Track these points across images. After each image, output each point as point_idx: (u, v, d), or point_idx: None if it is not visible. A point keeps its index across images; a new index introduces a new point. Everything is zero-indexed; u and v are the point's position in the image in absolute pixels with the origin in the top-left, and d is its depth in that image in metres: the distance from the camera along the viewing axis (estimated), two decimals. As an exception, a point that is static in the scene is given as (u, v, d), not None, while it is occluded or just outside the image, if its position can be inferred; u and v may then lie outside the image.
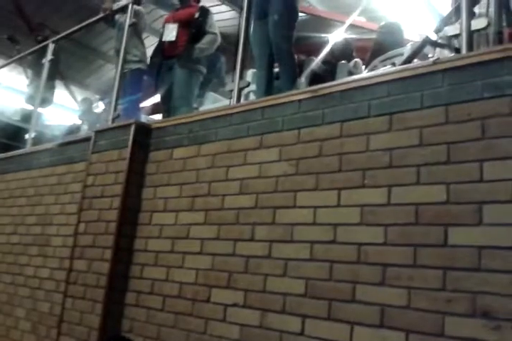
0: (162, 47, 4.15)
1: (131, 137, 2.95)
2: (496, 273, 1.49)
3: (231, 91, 2.82)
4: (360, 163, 1.94)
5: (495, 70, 1.70)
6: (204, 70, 4.13)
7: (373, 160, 1.90)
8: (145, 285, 2.55)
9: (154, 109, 6.17)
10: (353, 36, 6.18)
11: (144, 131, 2.99)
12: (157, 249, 2.58)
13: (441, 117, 1.78)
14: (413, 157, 1.81)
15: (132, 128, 2.98)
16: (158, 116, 6.00)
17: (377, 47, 4.17)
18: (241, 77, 2.83)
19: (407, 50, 2.99)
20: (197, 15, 4.02)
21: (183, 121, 2.81)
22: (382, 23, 4.54)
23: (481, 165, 1.64)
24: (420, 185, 1.76)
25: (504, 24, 2.11)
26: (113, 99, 3.68)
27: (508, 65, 1.67)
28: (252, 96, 3.44)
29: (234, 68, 2.89)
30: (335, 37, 4.79)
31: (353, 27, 7.04)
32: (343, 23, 6.03)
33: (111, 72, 10.15)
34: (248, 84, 2.79)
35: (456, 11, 2.11)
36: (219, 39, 4.09)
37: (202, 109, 4.01)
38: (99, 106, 7.47)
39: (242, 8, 2.95)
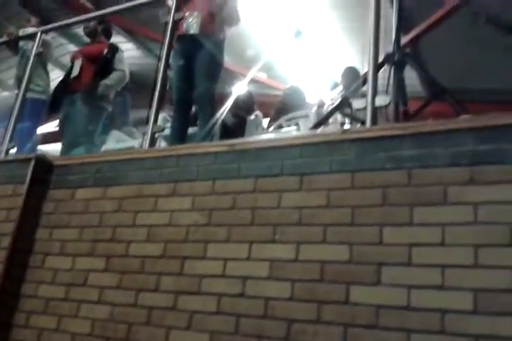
0: (67, 82, 4.06)
1: (29, 172, 2.79)
2: (391, 332, 1.63)
3: (144, 134, 2.82)
4: (272, 218, 2.03)
5: (395, 144, 1.91)
6: (109, 107, 4.09)
7: (284, 217, 2.01)
8: (31, 335, 2.35)
9: (47, 138, 5.89)
10: (256, 91, 6.50)
11: (44, 167, 2.84)
12: (48, 296, 2.41)
13: (348, 182, 1.95)
14: (321, 217, 1.94)
15: (32, 163, 2.82)
16: (51, 146, 5.74)
17: (282, 106, 4.45)
18: (156, 120, 2.85)
19: (311, 113, 3.24)
20: (105, 51, 4.01)
21: (90, 160, 2.74)
22: (289, 85, 4.88)
23: (381, 229, 1.81)
24: (326, 244, 1.88)
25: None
26: (9, 129, 3.47)
27: (406, 141, 1.90)
28: (162, 142, 3.45)
29: (149, 107, 2.89)
30: (238, 89, 5.02)
31: (255, 82, 7.43)
32: (245, 76, 6.35)
33: (7, 100, 9.53)
34: (163, 130, 2.82)
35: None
36: (127, 76, 4.09)
37: (105, 146, 3.92)
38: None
39: (161, 50, 2.99)
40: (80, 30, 7.57)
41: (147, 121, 2.80)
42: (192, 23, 3.13)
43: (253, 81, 7.20)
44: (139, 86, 5.08)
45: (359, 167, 1.95)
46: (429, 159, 1.81)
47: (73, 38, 7.63)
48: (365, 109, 2.15)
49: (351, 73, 4.26)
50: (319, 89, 7.03)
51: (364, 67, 2.29)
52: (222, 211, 2.17)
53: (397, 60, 2.40)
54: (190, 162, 2.36)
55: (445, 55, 6.22)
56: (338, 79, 6.64)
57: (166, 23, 2.95)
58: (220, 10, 3.19)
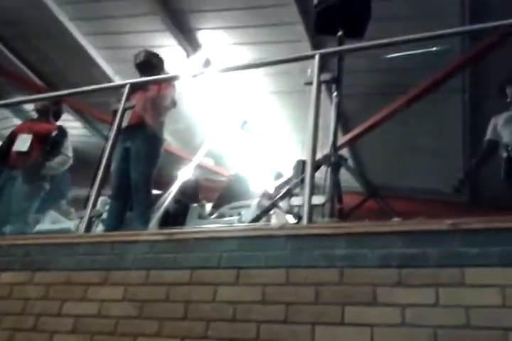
0: (6, 156, 3.99)
1: (-48, 251, 2.63)
2: None
3: (81, 218, 2.77)
4: (206, 312, 2.00)
5: (329, 243, 1.99)
6: (47, 187, 4.02)
7: (218, 312, 1.98)
8: None
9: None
10: (202, 176, 6.62)
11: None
12: None
13: (283, 278, 1.98)
14: (255, 313, 1.93)
15: (-44, 242, 2.68)
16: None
17: (226, 192, 4.55)
18: (94, 205, 2.82)
19: (253, 205, 3.33)
20: (54, 133, 4.04)
21: (20, 242, 2.64)
22: (234, 173, 5.02)
23: (313, 328, 1.82)
24: (259, 342, 1.86)
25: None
26: None
27: (339, 240, 1.98)
28: (100, 225, 3.39)
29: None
30: (185, 174, 5.11)
31: (202, 167, 7.58)
32: (191, 161, 6.49)
33: None
34: (101, 214, 2.79)
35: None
36: (70, 162, 4.10)
37: (39, 227, 3.79)
38: None
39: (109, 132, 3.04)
40: (26, 106, 7.65)
41: (85, 205, 2.78)
42: (132, 114, 3.27)
43: (200, 167, 7.36)
44: (82, 164, 5.08)
45: (294, 263, 2.00)
46: (361, 259, 1.89)
47: (19, 113, 7.64)
48: (302, 206, 2.25)
49: (302, 165, 4.44)
50: (263, 178, 7.25)
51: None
52: (154, 303, 2.12)
53: (333, 162, 2.57)
54: (126, 250, 2.33)
55: (381, 155, 6.69)
56: (283, 170, 6.96)
57: (116, 111, 3.05)
58: (155, 100, 3.38)
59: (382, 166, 6.96)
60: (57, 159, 3.89)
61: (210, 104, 6.68)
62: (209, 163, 8.28)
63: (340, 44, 3.00)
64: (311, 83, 2.52)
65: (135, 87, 3.36)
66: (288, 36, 5.00)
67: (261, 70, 5.72)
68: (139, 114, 3.35)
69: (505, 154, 3.35)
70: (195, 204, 3.88)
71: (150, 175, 3.27)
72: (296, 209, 2.40)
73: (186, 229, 2.32)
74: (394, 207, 2.56)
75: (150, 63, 3.64)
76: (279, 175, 6.36)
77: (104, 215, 3.20)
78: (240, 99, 6.53)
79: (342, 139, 6.06)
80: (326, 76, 2.53)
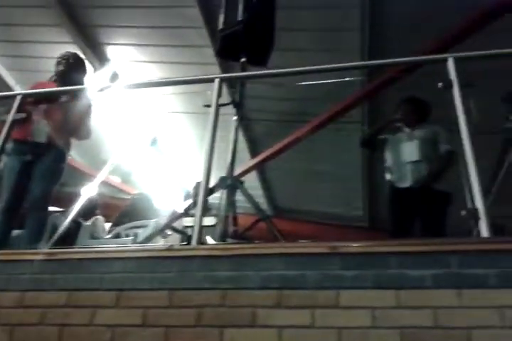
0: None
1: None
2: None
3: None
4: (82, 337, 1.90)
5: (216, 265, 1.99)
6: None
7: (96, 336, 1.90)
8: None
9: None
10: (107, 193, 6.41)
11: None
12: None
13: (165, 300, 1.95)
14: (135, 336, 1.87)
15: None
16: None
17: (129, 210, 4.43)
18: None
19: (151, 225, 3.26)
20: None
21: None
22: (138, 192, 4.90)
23: (191, 351, 1.79)
24: (134, 367, 1.80)
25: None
26: None
27: (225, 261, 1.99)
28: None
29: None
30: (88, 191, 4.90)
31: (107, 185, 7.35)
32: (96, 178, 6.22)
33: None
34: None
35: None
36: None
37: None
38: None
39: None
40: None
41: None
42: (40, 132, 3.11)
43: (106, 184, 7.13)
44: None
45: (179, 285, 1.97)
46: (243, 281, 1.91)
47: None
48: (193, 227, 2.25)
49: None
50: (172, 198, 7.15)
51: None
52: (27, 327, 1.99)
53: (229, 184, 2.60)
54: (2, 270, 2.18)
55: (289, 180, 6.88)
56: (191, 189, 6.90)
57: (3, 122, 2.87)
58: (71, 124, 3.22)
59: (290, 190, 7.15)
60: None
61: (118, 120, 6.53)
62: (116, 180, 8.05)
63: (243, 70, 3.07)
64: (209, 105, 2.55)
65: (47, 100, 3.18)
66: (197, 58, 5.05)
67: (170, 89, 5.72)
68: (52, 133, 3.15)
69: (388, 177, 3.50)
70: (88, 223, 3.72)
71: (50, 192, 3.09)
72: (188, 230, 2.39)
73: (69, 249, 2.21)
74: (299, 230, 2.64)
75: (76, 71, 3.37)
76: (188, 195, 6.31)
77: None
78: (150, 117, 6.45)
79: (249, 163, 6.17)
80: (224, 100, 2.57)
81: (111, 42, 5.29)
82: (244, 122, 5.40)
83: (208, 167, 2.37)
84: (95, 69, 5.44)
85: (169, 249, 2.09)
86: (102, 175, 6.50)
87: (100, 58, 5.41)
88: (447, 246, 1.87)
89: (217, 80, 2.62)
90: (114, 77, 5.78)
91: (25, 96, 2.98)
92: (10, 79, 6.07)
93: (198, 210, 2.26)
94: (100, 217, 4.22)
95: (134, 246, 2.38)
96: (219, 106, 2.57)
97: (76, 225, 3.59)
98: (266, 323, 1.81)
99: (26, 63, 5.81)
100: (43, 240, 2.99)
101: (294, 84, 4.45)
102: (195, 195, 4.07)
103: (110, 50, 5.28)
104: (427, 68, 4.23)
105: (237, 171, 5.38)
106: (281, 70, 2.78)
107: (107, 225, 4.33)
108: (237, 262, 1.96)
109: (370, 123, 5.26)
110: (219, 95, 2.58)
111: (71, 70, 3.35)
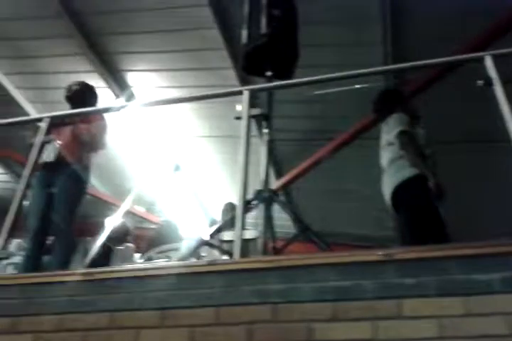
0: None
1: None
2: None
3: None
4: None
5: (263, 278, 1.88)
6: None
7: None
8: None
9: None
10: (133, 224, 6.32)
11: None
12: None
13: (212, 318, 1.82)
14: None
15: None
16: None
17: (156, 238, 4.35)
18: (4, 246, 2.54)
19: (182, 246, 3.16)
20: None
21: None
22: (164, 219, 4.84)
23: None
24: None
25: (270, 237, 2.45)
26: None
27: (272, 274, 1.88)
28: (10, 269, 3.07)
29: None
30: (112, 221, 4.85)
31: (132, 215, 7.27)
32: (120, 207, 6.19)
33: None
34: (7, 257, 2.51)
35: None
36: None
37: None
38: None
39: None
40: None
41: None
42: (49, 152, 3.07)
43: (130, 214, 7.06)
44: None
45: (225, 301, 1.85)
46: (294, 294, 1.78)
47: None
48: (233, 241, 2.14)
49: (231, 208, 4.39)
50: (197, 224, 7.06)
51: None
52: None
53: (266, 198, 2.50)
54: (37, 293, 2.08)
55: (315, 200, 6.74)
56: (217, 215, 6.81)
57: (31, 145, 2.86)
58: (82, 137, 3.20)
59: (316, 211, 6.98)
60: None
61: (140, 147, 6.52)
62: (140, 210, 8.00)
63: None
64: (240, 117, 2.50)
65: (59, 123, 3.18)
66: (219, 81, 5.03)
67: (193, 113, 5.71)
68: (63, 150, 3.13)
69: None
70: (121, 247, 3.64)
71: (72, 215, 3.03)
72: (226, 246, 2.28)
73: (106, 268, 2.12)
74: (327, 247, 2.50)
75: (83, 96, 3.42)
76: (213, 222, 6.22)
77: (16, 260, 2.91)
78: (172, 143, 6.43)
79: (275, 184, 6.07)
80: (255, 111, 2.51)
81: (131, 68, 5.32)
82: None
83: (243, 178, 2.28)
84: (117, 97, 5.46)
85: (211, 263, 1.98)
86: (126, 205, 6.47)
87: (121, 85, 5.44)
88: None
89: (246, 92, 2.57)
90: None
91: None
92: (33, 112, 6.11)
93: (238, 223, 2.16)
94: (131, 244, 4.15)
95: (174, 263, 2.27)
96: (250, 117, 2.51)
97: (108, 250, 3.50)
98: (324, 338, 1.67)
99: (48, 94, 5.85)
100: (72, 264, 2.91)
101: (316, 92, 4.39)
102: (225, 217, 3.99)
103: (131, 77, 5.30)
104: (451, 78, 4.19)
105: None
106: (308, 78, 2.72)
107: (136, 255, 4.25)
108: (286, 274, 1.85)
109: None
110: (250, 106, 2.52)
111: (80, 93, 3.38)
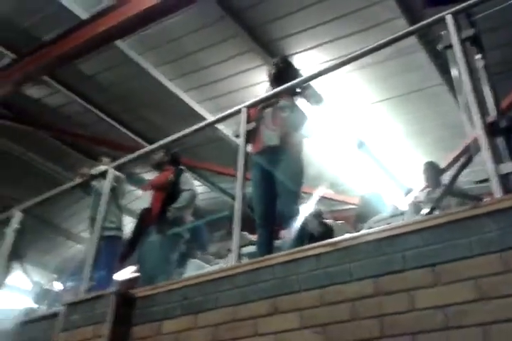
0: (142, 216, 3.93)
1: (110, 309, 2.51)
2: None
3: (229, 250, 2.54)
4: (407, 325, 1.60)
5: None
6: (185, 234, 3.85)
7: (422, 321, 1.58)
8: None
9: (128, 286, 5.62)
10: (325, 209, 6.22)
11: (125, 302, 2.57)
12: None
13: (499, 265, 1.55)
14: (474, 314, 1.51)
15: (112, 299, 2.56)
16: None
17: (361, 212, 4.18)
18: (239, 237, 2.56)
19: (408, 209, 2.91)
20: (171, 177, 3.91)
21: (176, 286, 2.44)
22: (366, 192, 4.66)
23: None
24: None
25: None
26: (87, 268, 3.23)
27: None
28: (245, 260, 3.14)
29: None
30: (306, 209, 4.76)
31: (323, 199, 7.13)
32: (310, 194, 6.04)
33: (71, 249, 9.59)
34: (250, 243, 2.54)
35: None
36: (196, 194, 3.90)
37: (185, 276, 3.62)
38: (54, 287, 6.85)
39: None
40: (144, 174, 7.77)
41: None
42: (272, 136, 3.02)
43: (321, 198, 6.96)
44: (207, 222, 4.90)
45: (508, 245, 1.56)
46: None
47: (139, 182, 7.75)
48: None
49: (431, 167, 4.06)
50: (392, 196, 6.69)
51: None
52: (339, 324, 1.77)
53: (504, 127, 2.11)
54: (289, 271, 2.03)
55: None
56: (411, 183, 6.38)
57: (238, 136, 2.89)
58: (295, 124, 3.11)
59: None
60: (181, 198, 3.74)
61: (321, 131, 6.34)
62: (329, 192, 7.87)
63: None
64: (450, 46, 2.17)
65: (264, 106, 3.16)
66: (387, 36, 4.61)
67: (362, 80, 5.38)
68: (283, 135, 3.09)
69: None
70: (339, 223, 3.52)
71: (298, 193, 2.97)
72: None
73: (353, 235, 1.98)
74: None
75: (289, 72, 3.28)
76: (409, 191, 5.83)
77: (250, 249, 2.96)
78: (349, 117, 6.16)
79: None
80: (468, 32, 2.16)
81: (296, 51, 5.20)
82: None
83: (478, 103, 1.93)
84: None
85: (477, 206, 1.69)
86: (318, 191, 6.34)
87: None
88: None
89: (449, 16, 2.23)
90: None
91: (248, 108, 2.98)
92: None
93: (488, 158, 1.83)
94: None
95: (430, 216, 2.00)
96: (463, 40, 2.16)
97: (327, 228, 3.41)
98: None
99: (224, 100, 6.01)
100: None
101: None
102: (428, 178, 3.54)
103: (297, 60, 5.16)
104: None
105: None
106: None
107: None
108: None
109: None
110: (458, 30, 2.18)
111: (282, 72, 3.28)
